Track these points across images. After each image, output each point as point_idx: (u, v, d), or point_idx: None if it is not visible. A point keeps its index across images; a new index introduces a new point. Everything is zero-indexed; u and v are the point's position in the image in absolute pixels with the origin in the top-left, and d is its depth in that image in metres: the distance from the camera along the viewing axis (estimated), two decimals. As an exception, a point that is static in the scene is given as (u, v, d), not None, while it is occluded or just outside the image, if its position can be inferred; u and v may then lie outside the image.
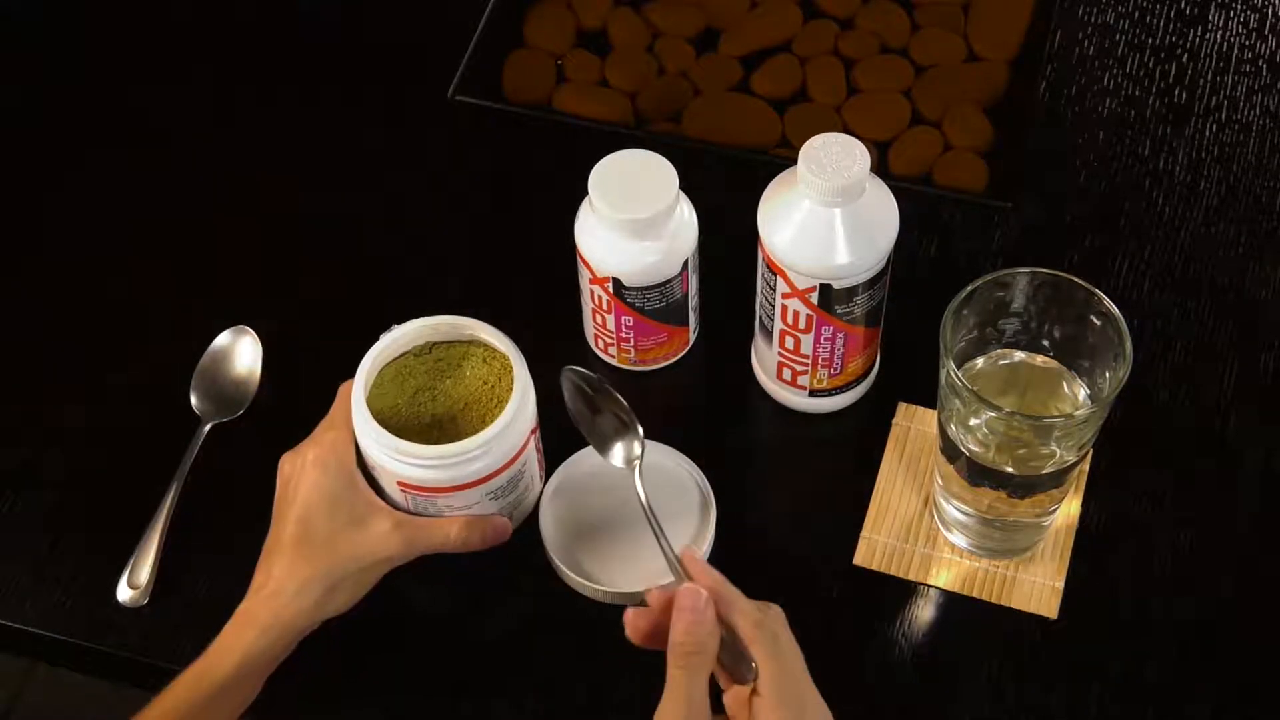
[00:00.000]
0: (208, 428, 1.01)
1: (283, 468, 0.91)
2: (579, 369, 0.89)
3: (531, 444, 0.92)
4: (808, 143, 0.88)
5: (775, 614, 0.80)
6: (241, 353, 1.04)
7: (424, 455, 0.87)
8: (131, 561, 0.96)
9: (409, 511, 0.90)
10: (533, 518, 0.96)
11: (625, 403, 0.90)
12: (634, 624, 0.80)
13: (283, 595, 0.86)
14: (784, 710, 0.76)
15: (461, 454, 0.87)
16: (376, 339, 0.92)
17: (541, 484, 0.96)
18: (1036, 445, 0.86)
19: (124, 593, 0.95)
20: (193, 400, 1.02)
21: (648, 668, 0.93)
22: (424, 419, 0.91)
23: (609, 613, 0.94)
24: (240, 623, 0.87)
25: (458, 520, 0.90)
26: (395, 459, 0.87)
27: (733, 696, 0.78)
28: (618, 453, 0.90)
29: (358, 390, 0.89)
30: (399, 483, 0.89)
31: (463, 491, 0.89)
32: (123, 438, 1.02)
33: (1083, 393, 0.89)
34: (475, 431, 0.88)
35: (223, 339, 1.04)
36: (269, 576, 0.87)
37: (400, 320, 0.92)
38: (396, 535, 0.88)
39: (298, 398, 1.03)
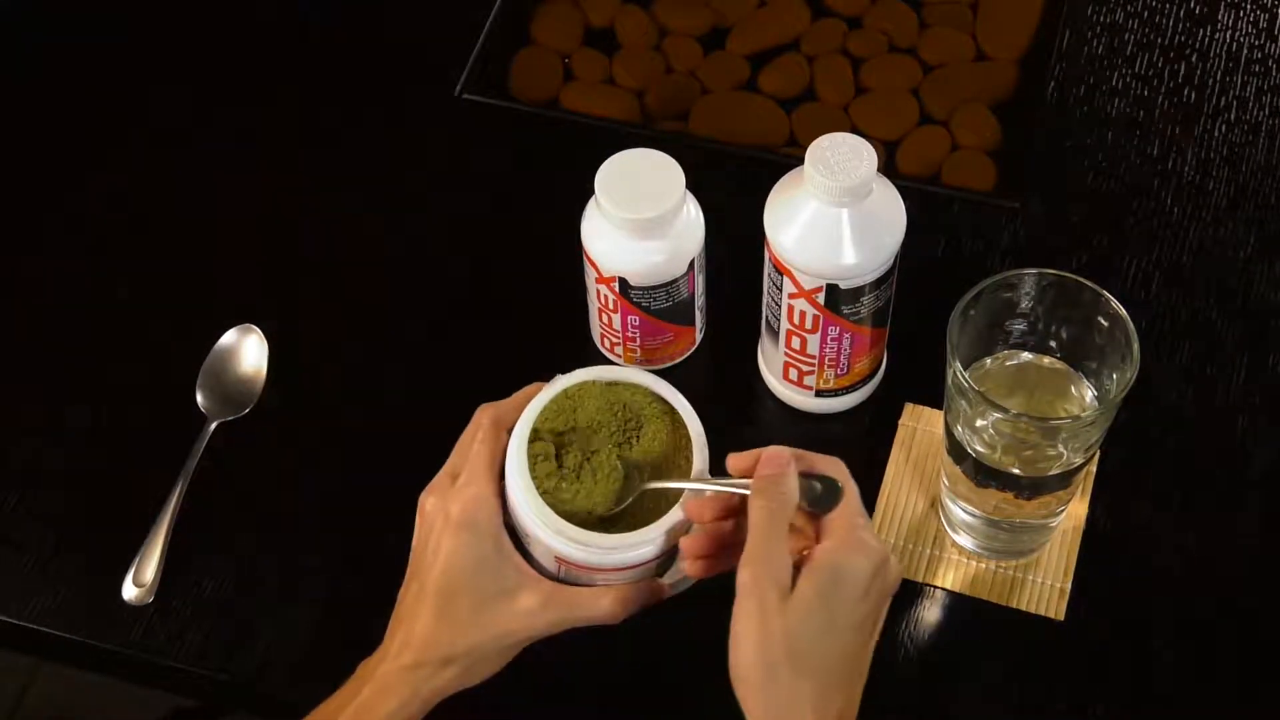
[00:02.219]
0: (213, 426, 1.01)
1: (423, 510, 0.84)
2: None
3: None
4: (815, 142, 0.87)
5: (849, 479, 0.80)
6: (247, 351, 1.04)
7: (592, 543, 0.80)
8: (137, 560, 0.96)
9: (559, 579, 0.83)
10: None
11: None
12: (693, 551, 0.79)
13: (423, 669, 0.80)
14: (861, 517, 0.77)
15: (635, 542, 0.80)
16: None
17: None
18: (1043, 446, 0.86)
19: (129, 591, 0.95)
20: (198, 398, 1.02)
21: (646, 664, 0.94)
22: (572, 466, 0.83)
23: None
24: (377, 692, 0.81)
25: (611, 593, 0.82)
26: (559, 541, 0.80)
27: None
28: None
29: (517, 456, 0.81)
30: (556, 557, 0.81)
31: (625, 571, 0.82)
32: (128, 436, 1.02)
33: (1090, 394, 0.88)
34: (648, 512, 0.81)
35: (228, 337, 1.04)
36: (407, 644, 0.81)
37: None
38: (546, 612, 0.81)
39: (304, 396, 1.04)
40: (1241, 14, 1.19)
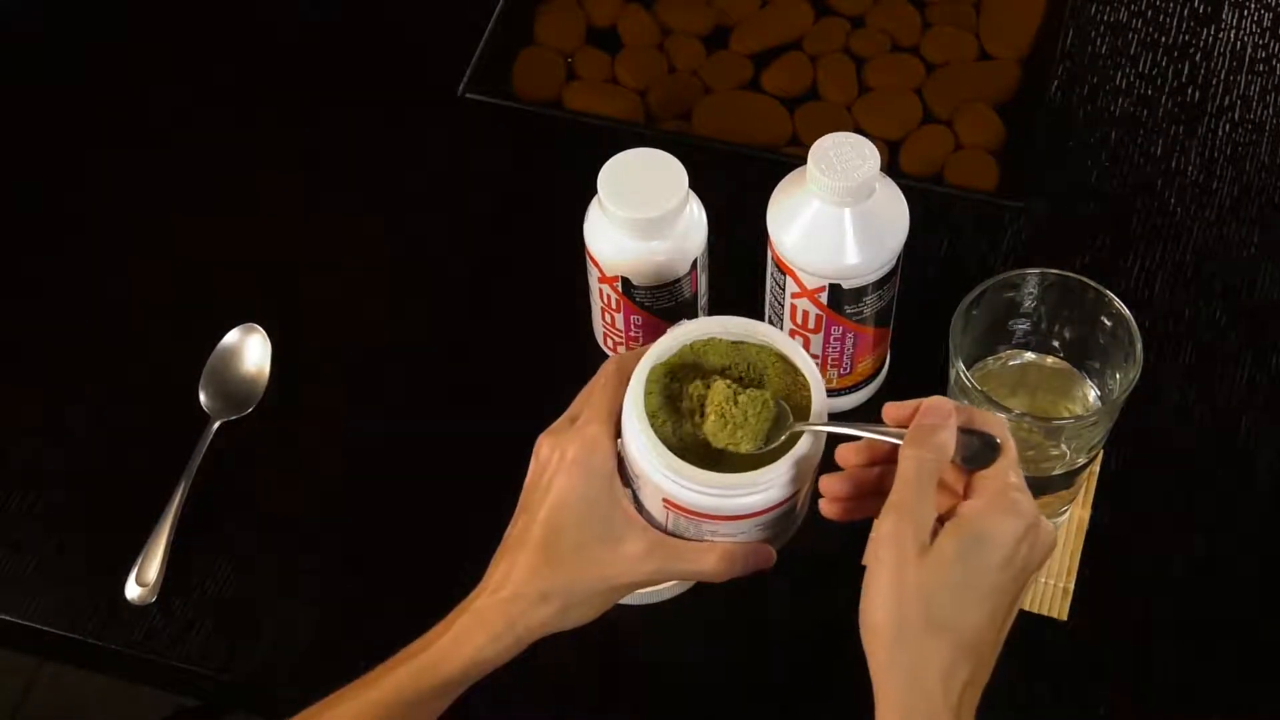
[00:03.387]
0: (216, 425, 1.01)
1: (539, 450, 0.82)
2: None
3: (814, 474, 0.81)
4: (817, 142, 0.87)
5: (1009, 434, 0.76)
6: (250, 350, 1.04)
7: (703, 482, 0.77)
8: (140, 559, 0.96)
9: (666, 530, 0.81)
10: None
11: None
12: (832, 491, 0.77)
13: (520, 602, 0.79)
14: (1015, 478, 0.74)
15: (746, 486, 0.77)
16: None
17: (807, 510, 0.84)
18: (1046, 446, 0.86)
19: (132, 590, 0.95)
20: (201, 398, 1.02)
21: (649, 664, 0.94)
22: (692, 424, 0.80)
23: (616, 611, 0.94)
24: (472, 622, 0.79)
25: (717, 549, 0.80)
26: (668, 478, 0.77)
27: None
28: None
29: (635, 392, 0.79)
30: (665, 500, 0.79)
31: (734, 522, 0.79)
32: (131, 436, 1.02)
33: (1093, 394, 0.88)
34: (760, 460, 0.78)
35: (232, 337, 1.04)
36: (508, 578, 0.79)
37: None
38: (649, 560, 0.79)
39: (307, 395, 1.04)
40: (1245, 13, 1.19)
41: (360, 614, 0.95)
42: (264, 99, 1.19)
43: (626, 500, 0.80)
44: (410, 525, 0.99)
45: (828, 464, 0.79)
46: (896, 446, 0.75)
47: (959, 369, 0.83)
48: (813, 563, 0.96)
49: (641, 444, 0.78)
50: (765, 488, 0.77)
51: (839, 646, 0.94)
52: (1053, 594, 0.94)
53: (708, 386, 0.79)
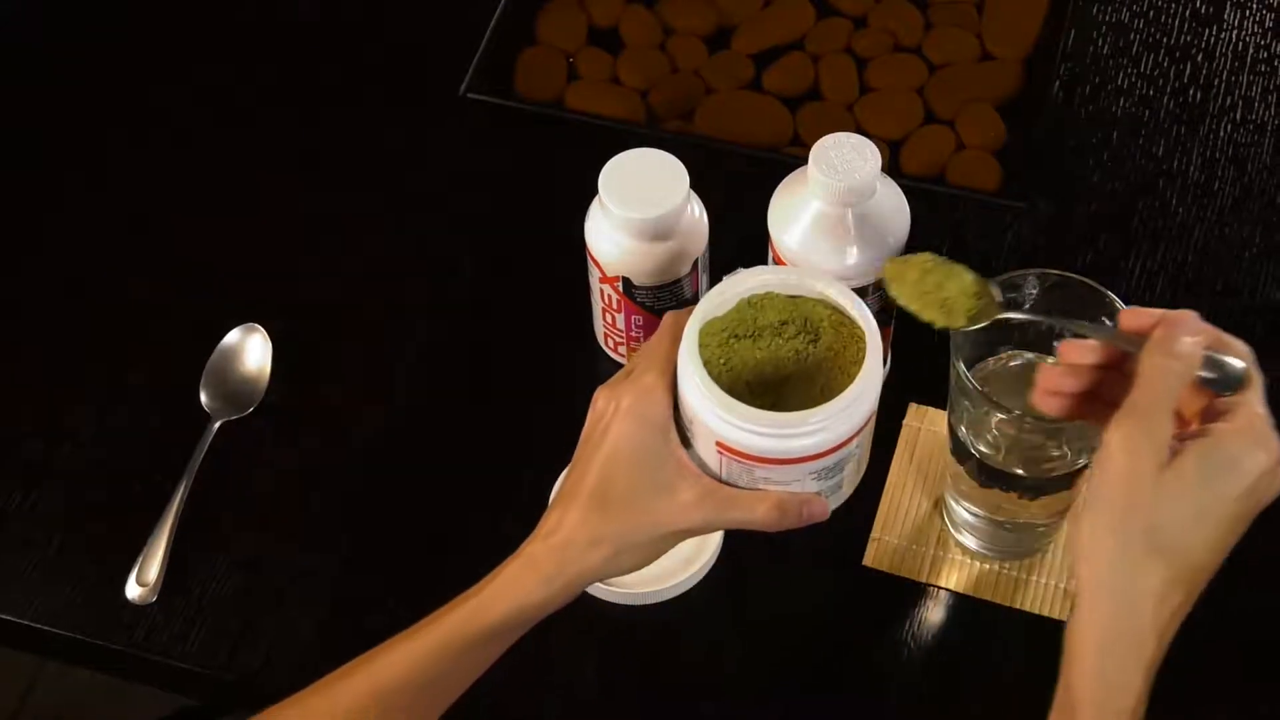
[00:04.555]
0: (217, 425, 1.01)
1: (595, 403, 0.82)
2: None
3: (870, 426, 0.82)
4: (818, 143, 0.87)
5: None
6: (251, 350, 1.04)
7: (755, 421, 0.76)
8: (140, 559, 0.96)
9: (720, 479, 0.80)
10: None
11: None
12: (1052, 384, 0.75)
13: (572, 548, 0.79)
14: (1265, 409, 0.70)
15: (796, 425, 0.77)
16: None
17: (864, 470, 0.85)
18: (1047, 447, 0.85)
19: (133, 590, 0.95)
20: (202, 398, 1.02)
21: (647, 663, 0.93)
22: (750, 377, 0.80)
23: (614, 611, 0.94)
24: (523, 566, 0.79)
25: (769, 498, 0.79)
26: (721, 418, 0.77)
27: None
28: None
29: (690, 336, 0.79)
30: (718, 443, 0.79)
31: (786, 466, 0.79)
32: (132, 435, 1.02)
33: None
34: (810, 402, 0.78)
35: (232, 336, 1.04)
36: (560, 524, 0.79)
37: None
38: (701, 508, 0.79)
39: (308, 395, 1.04)
40: (1247, 13, 1.19)
41: (360, 614, 0.95)
42: (264, 99, 1.19)
43: (680, 449, 0.80)
44: (411, 525, 0.99)
45: (886, 424, 0.78)
46: (1128, 355, 0.72)
47: (959, 369, 0.83)
48: (817, 557, 0.96)
49: (694, 384, 0.77)
50: (816, 429, 0.77)
51: (849, 648, 0.94)
52: (1053, 594, 0.94)
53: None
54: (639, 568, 0.81)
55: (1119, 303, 0.84)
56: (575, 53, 1.21)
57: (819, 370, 0.80)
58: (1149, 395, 0.69)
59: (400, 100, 1.18)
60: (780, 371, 0.81)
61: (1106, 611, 0.70)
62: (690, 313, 0.80)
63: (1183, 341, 0.70)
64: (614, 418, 0.80)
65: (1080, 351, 0.76)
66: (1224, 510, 0.69)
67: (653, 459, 0.79)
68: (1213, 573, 0.71)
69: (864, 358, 0.78)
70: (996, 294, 0.79)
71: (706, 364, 0.79)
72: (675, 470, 0.79)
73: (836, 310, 0.81)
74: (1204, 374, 0.71)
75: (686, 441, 0.81)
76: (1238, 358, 0.72)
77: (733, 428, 0.77)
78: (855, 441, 0.80)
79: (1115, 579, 0.69)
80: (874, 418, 0.82)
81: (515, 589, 0.79)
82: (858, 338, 0.80)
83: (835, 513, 0.97)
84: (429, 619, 0.79)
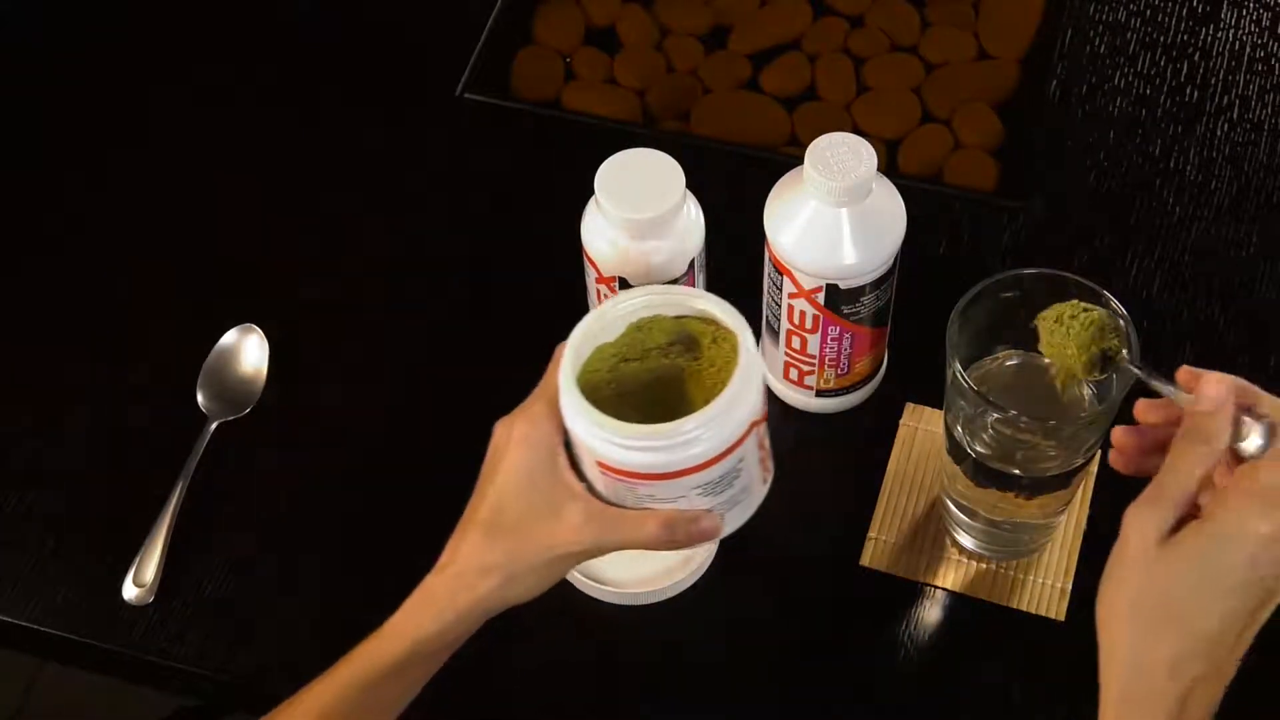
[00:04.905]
0: (214, 426, 1.01)
1: (495, 434, 0.83)
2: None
3: (753, 437, 0.80)
4: (814, 143, 0.87)
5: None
6: (248, 351, 1.04)
7: (626, 435, 0.76)
8: (137, 559, 0.96)
9: (608, 500, 0.81)
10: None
11: None
12: (1123, 443, 0.77)
13: (463, 578, 0.80)
14: (1244, 506, 0.70)
15: (669, 437, 0.76)
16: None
17: (766, 489, 0.84)
18: (1044, 447, 0.85)
19: (130, 591, 0.95)
20: (199, 398, 1.02)
21: (644, 664, 0.93)
22: (641, 398, 0.81)
23: (611, 611, 0.94)
24: (419, 600, 0.81)
25: (658, 516, 0.80)
26: (595, 436, 0.77)
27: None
28: None
29: (567, 358, 0.80)
30: (598, 463, 0.79)
31: (667, 482, 0.78)
32: (129, 436, 1.03)
33: (1090, 394, 0.88)
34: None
35: (229, 337, 1.04)
36: (454, 555, 0.81)
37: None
38: (588, 528, 0.79)
39: (304, 396, 1.04)
40: (1244, 13, 1.19)
41: (358, 614, 0.95)
42: (264, 99, 1.19)
43: (569, 474, 0.80)
44: (408, 525, 0.99)
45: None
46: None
47: (956, 369, 0.83)
48: (815, 557, 0.96)
49: (568, 404, 0.78)
50: (688, 439, 0.76)
51: (846, 648, 0.94)
52: (1050, 594, 0.94)
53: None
54: (534, 594, 0.81)
55: (1114, 302, 0.84)
56: (572, 53, 1.21)
57: (702, 386, 0.80)
58: (1168, 475, 0.72)
59: (397, 100, 1.18)
60: (669, 390, 0.81)
61: (1120, 679, 0.72)
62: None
63: (1210, 421, 0.72)
64: (506, 447, 0.81)
65: (1152, 412, 0.77)
66: (1230, 580, 0.70)
67: (541, 484, 0.80)
68: (1239, 641, 0.72)
69: (736, 369, 0.78)
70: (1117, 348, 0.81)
71: (596, 388, 0.80)
72: (563, 494, 0.80)
73: (717, 325, 0.81)
74: (1234, 444, 0.72)
75: (579, 472, 0.81)
76: (1274, 419, 0.72)
77: (607, 444, 0.77)
78: (738, 453, 0.79)
79: (1126, 650, 0.72)
80: (760, 430, 0.80)
81: (412, 623, 0.80)
82: (734, 350, 0.79)
83: (831, 513, 0.98)
84: (347, 656, 0.81)
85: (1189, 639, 0.71)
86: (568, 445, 0.81)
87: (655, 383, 0.81)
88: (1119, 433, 0.77)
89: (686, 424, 0.76)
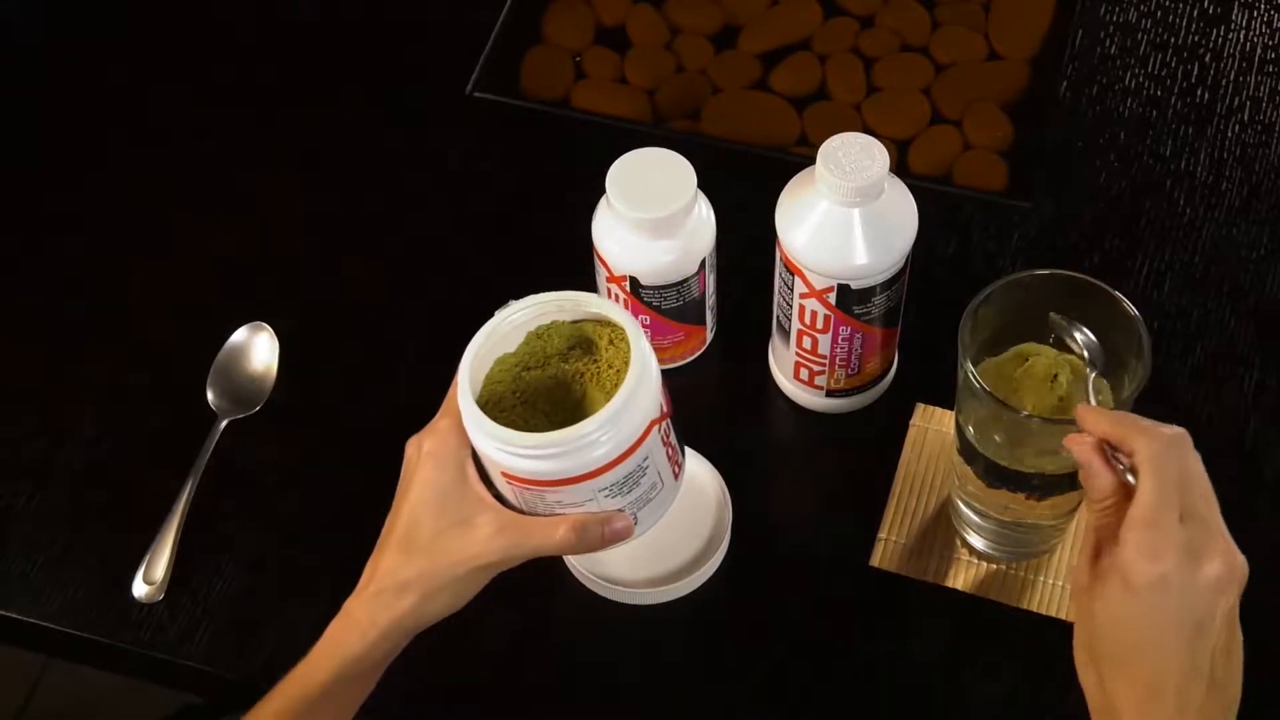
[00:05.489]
0: (224, 424, 1.01)
1: (407, 453, 0.84)
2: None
3: (655, 435, 0.80)
4: (826, 142, 0.87)
5: (1174, 439, 0.74)
6: (258, 349, 1.04)
7: (527, 444, 0.77)
8: (147, 557, 0.96)
9: (519, 509, 0.82)
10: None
11: None
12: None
13: (382, 597, 0.81)
14: (1148, 533, 0.72)
15: (566, 441, 0.77)
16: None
17: (678, 484, 0.85)
18: (1055, 447, 0.85)
19: (140, 588, 0.95)
20: (209, 396, 1.02)
21: (656, 663, 0.93)
22: (544, 405, 0.82)
23: (622, 611, 0.94)
24: (341, 624, 0.82)
25: (568, 520, 0.80)
26: (498, 448, 0.78)
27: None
28: None
29: (463, 374, 0.80)
30: (503, 474, 0.80)
31: (572, 486, 0.79)
32: (139, 434, 1.03)
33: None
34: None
35: (239, 335, 1.04)
36: (373, 575, 0.82)
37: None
38: (501, 538, 0.80)
39: (314, 394, 1.04)
40: (1255, 14, 1.19)
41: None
42: (271, 98, 1.19)
43: (479, 486, 0.81)
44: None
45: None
46: None
47: (967, 369, 0.83)
48: (824, 557, 0.96)
49: (469, 419, 0.79)
50: (587, 442, 0.77)
51: (855, 649, 0.94)
52: (1061, 595, 0.94)
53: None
54: (454, 608, 0.82)
55: (1126, 303, 0.84)
56: (582, 52, 1.21)
57: (603, 387, 0.81)
58: (1085, 530, 0.76)
59: (407, 100, 1.18)
60: (571, 395, 0.82)
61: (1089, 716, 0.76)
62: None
63: (1093, 478, 0.75)
64: (417, 465, 0.82)
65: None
66: (1155, 619, 0.72)
67: (452, 498, 0.81)
68: (1193, 676, 0.73)
69: (627, 371, 0.78)
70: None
71: (501, 399, 0.81)
72: (474, 506, 0.81)
73: (612, 326, 0.82)
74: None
75: (490, 482, 0.82)
76: (1128, 456, 0.74)
77: (509, 455, 0.78)
78: (641, 452, 0.79)
79: (1087, 689, 0.76)
80: (663, 427, 0.81)
81: (336, 647, 0.81)
82: (626, 352, 0.80)
83: (841, 514, 0.98)
84: (278, 684, 0.82)
85: (1143, 679, 0.73)
86: (476, 458, 0.82)
87: (558, 388, 0.82)
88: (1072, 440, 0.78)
89: (584, 428, 0.76)
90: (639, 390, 0.77)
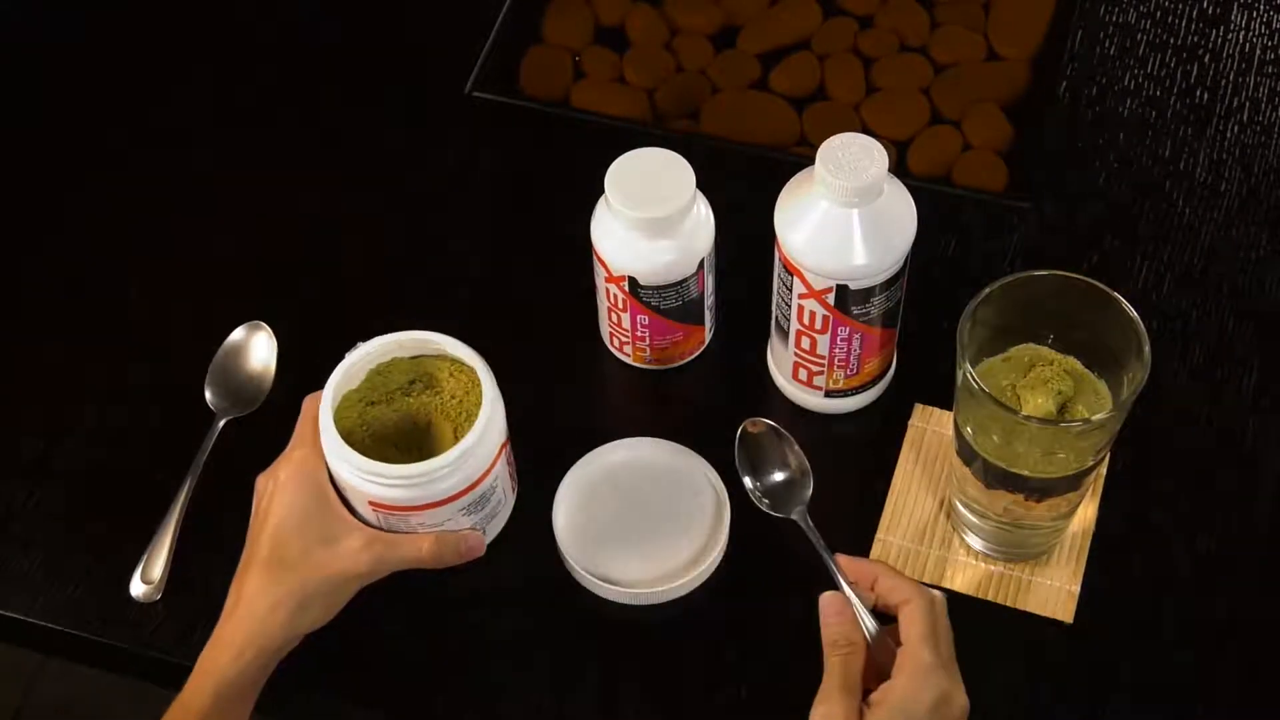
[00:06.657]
0: (222, 423, 1.01)
1: (257, 486, 0.90)
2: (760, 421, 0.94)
3: (503, 459, 0.91)
4: (825, 143, 0.87)
5: (930, 602, 0.83)
6: (257, 348, 1.04)
7: (392, 475, 0.86)
8: (145, 556, 0.96)
9: (381, 529, 0.89)
10: (541, 523, 0.96)
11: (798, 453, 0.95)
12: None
13: (253, 616, 0.86)
14: (925, 645, 0.80)
15: (430, 472, 0.86)
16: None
17: (514, 496, 0.95)
18: (1054, 448, 0.85)
19: (137, 588, 0.95)
20: (207, 395, 1.02)
21: (655, 663, 0.93)
22: (393, 436, 0.90)
23: (620, 612, 0.94)
24: (214, 647, 0.86)
25: (429, 536, 0.89)
26: (364, 479, 0.86)
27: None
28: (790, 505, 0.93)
29: (325, 409, 0.88)
30: (369, 502, 0.88)
31: (433, 509, 0.88)
32: (137, 433, 1.02)
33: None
34: (448, 446, 0.88)
35: (238, 334, 1.04)
36: (240, 597, 0.87)
37: (365, 337, 0.92)
38: (367, 553, 0.87)
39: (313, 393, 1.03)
40: (1254, 15, 1.19)
41: (363, 614, 0.95)
42: (270, 98, 1.19)
43: (341, 507, 0.89)
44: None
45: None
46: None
47: (966, 370, 0.83)
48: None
49: (334, 451, 0.87)
50: (448, 471, 0.86)
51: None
52: (1059, 596, 0.94)
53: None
54: (323, 621, 0.88)
55: (1125, 303, 0.84)
56: (581, 51, 1.21)
57: (448, 417, 0.90)
58: (830, 680, 0.82)
59: (406, 99, 1.18)
60: (418, 425, 0.90)
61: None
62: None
63: (839, 630, 0.83)
64: (275, 492, 0.88)
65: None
66: None
67: (317, 518, 0.87)
68: None
69: (481, 399, 0.88)
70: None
71: (350, 432, 0.89)
72: (339, 525, 0.88)
73: (454, 360, 0.91)
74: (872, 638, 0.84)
75: (350, 507, 0.89)
76: (892, 604, 0.84)
77: (374, 484, 0.86)
78: (493, 474, 0.89)
79: None
80: (507, 450, 0.91)
81: (212, 671, 0.85)
82: (476, 382, 0.89)
83: (840, 514, 0.97)
84: (164, 714, 0.85)
85: None
86: (334, 484, 0.89)
87: (404, 420, 0.91)
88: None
89: (442, 460, 0.86)
90: (491, 422, 0.87)
